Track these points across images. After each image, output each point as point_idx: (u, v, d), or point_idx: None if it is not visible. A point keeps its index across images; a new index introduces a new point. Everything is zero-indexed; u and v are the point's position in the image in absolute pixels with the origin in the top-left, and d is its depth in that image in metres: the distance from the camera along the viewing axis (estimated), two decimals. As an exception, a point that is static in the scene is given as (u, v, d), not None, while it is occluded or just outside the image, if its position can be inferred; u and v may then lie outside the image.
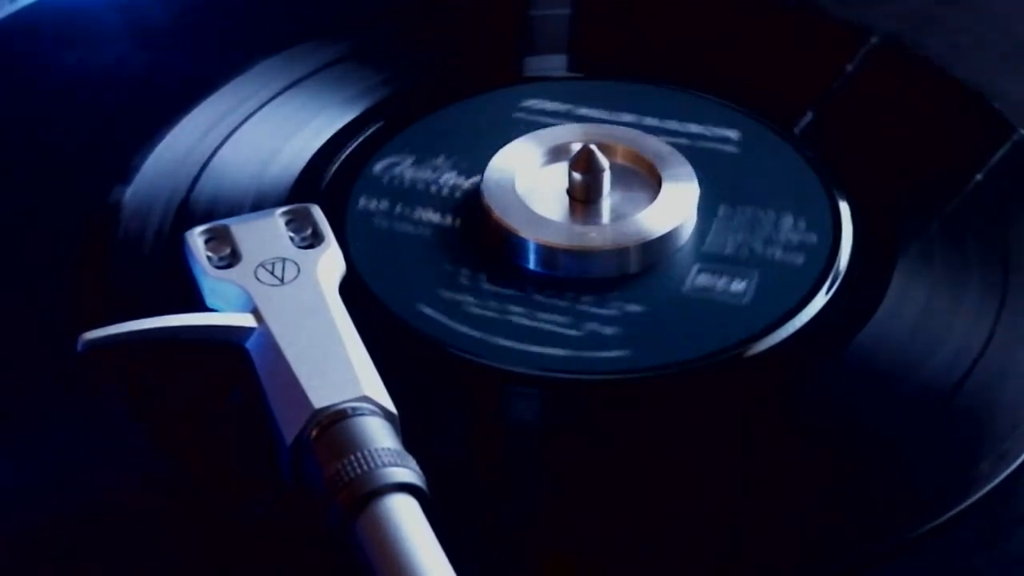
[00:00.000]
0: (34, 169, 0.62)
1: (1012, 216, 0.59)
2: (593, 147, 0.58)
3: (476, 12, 0.70)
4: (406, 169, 0.61)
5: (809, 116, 0.64)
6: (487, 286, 0.57)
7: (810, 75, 0.66)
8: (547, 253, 0.57)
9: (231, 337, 0.52)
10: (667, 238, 0.57)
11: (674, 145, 0.60)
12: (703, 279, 0.56)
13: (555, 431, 0.54)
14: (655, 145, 0.60)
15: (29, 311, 0.56)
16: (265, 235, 0.55)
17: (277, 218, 0.56)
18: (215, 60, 0.66)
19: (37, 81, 0.67)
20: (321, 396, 0.49)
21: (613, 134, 0.61)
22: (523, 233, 0.57)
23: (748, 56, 0.67)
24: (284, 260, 0.54)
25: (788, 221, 0.57)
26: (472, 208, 0.59)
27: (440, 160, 0.61)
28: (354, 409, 0.48)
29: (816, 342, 0.55)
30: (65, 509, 0.50)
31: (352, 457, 0.47)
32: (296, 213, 0.56)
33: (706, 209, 0.58)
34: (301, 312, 0.52)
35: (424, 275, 0.57)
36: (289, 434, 0.48)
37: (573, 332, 0.55)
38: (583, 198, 0.58)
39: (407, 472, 0.47)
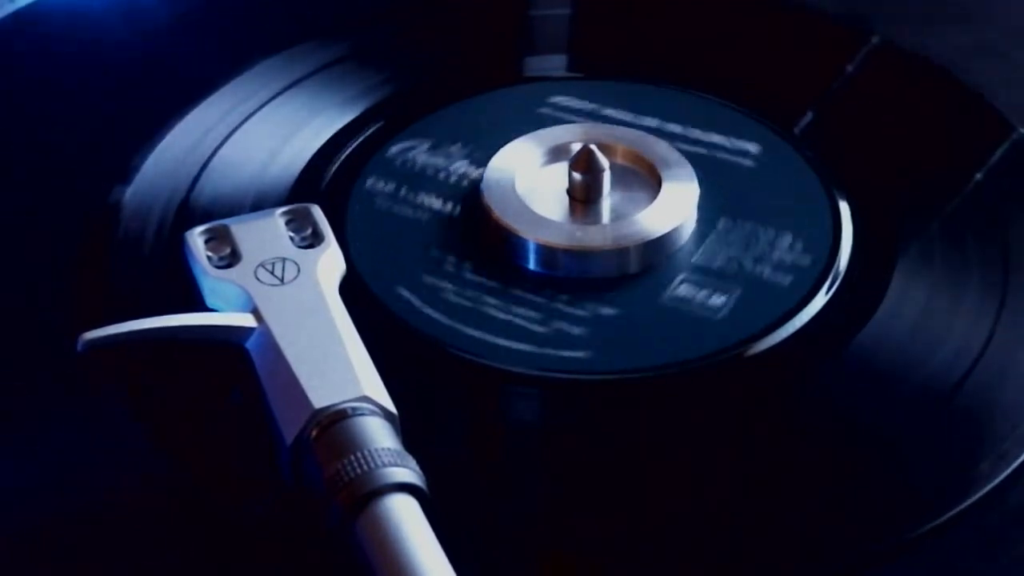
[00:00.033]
0: (34, 169, 0.62)
1: (1012, 216, 0.59)
2: (593, 147, 0.58)
3: (476, 12, 0.70)
4: (420, 154, 0.61)
5: (809, 116, 0.64)
6: (486, 286, 0.57)
7: (810, 75, 0.66)
8: (547, 253, 0.57)
9: (231, 337, 0.52)
10: (667, 238, 0.57)
11: (692, 154, 0.60)
12: (684, 289, 0.56)
13: (555, 431, 0.54)
14: (655, 145, 0.60)
15: (29, 311, 0.56)
16: (265, 235, 0.55)
17: (277, 218, 0.56)
18: (215, 60, 0.66)
19: (37, 81, 0.67)
20: (321, 396, 0.49)
21: (613, 134, 0.61)
22: (523, 233, 0.57)
23: (748, 56, 0.67)
24: (284, 260, 0.54)
25: (786, 240, 0.57)
26: (473, 199, 0.59)
27: (456, 148, 0.62)
28: (354, 409, 0.48)
29: (816, 342, 0.55)
30: (65, 509, 0.50)
31: (352, 457, 0.47)
32: (296, 213, 0.56)
33: (707, 220, 0.58)
34: (301, 312, 0.52)
35: (421, 270, 0.57)
36: (289, 434, 0.48)
37: (541, 329, 0.55)
38: (583, 198, 0.58)
39: (407, 472, 0.47)
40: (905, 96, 0.65)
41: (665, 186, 0.58)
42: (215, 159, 0.62)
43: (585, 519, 0.50)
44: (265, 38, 0.68)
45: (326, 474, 0.47)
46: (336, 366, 0.50)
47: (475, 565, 0.47)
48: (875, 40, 0.67)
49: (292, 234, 0.55)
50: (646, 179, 0.59)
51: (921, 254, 0.58)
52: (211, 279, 0.54)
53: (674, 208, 0.58)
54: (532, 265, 0.57)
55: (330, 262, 0.55)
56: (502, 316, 0.55)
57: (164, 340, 0.52)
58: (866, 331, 0.55)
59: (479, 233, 0.58)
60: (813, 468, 0.51)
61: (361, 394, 0.49)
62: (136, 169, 0.61)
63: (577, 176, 0.58)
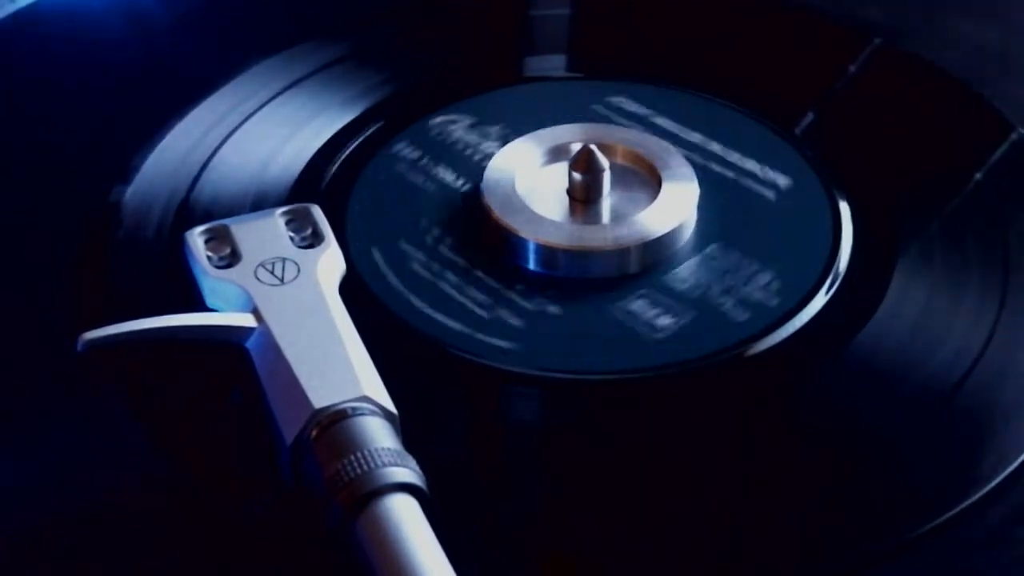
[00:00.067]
0: (34, 169, 0.62)
1: (1012, 216, 0.59)
2: (593, 147, 0.58)
3: (476, 12, 0.70)
4: (459, 128, 0.61)
5: (809, 116, 0.64)
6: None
7: (810, 75, 0.66)
8: (547, 253, 0.57)
9: (231, 337, 0.52)
10: (667, 238, 0.57)
11: (720, 175, 0.60)
12: (638, 305, 0.56)
13: (555, 431, 0.54)
14: (655, 145, 0.60)
15: (29, 311, 0.56)
16: (265, 235, 0.55)
17: (277, 218, 0.56)
18: (215, 60, 0.66)
19: (37, 81, 0.67)
20: (321, 396, 0.49)
21: (613, 134, 0.61)
22: (523, 233, 0.57)
23: (748, 56, 0.67)
24: (284, 260, 0.54)
25: (764, 278, 0.56)
26: (473, 199, 0.59)
27: (495, 129, 0.62)
28: (354, 409, 0.48)
29: (816, 342, 0.55)
30: (65, 509, 0.50)
31: (352, 457, 0.47)
32: (296, 213, 0.56)
33: (702, 241, 0.58)
34: (301, 312, 0.52)
35: (422, 270, 0.57)
36: (289, 434, 0.48)
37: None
38: (583, 198, 0.58)
39: (407, 472, 0.47)
40: (905, 96, 0.65)
41: (665, 186, 0.58)
42: (215, 159, 0.62)
43: (585, 519, 0.50)
44: (265, 38, 0.68)
45: (326, 474, 0.47)
46: (336, 366, 0.50)
47: (475, 565, 0.47)
48: (876, 41, 0.67)
49: (292, 234, 0.55)
50: (646, 179, 0.59)
51: (921, 254, 0.58)
52: (211, 279, 0.54)
53: (674, 208, 0.58)
54: (532, 265, 0.57)
55: (330, 262, 0.55)
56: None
57: (164, 340, 0.52)
58: (866, 331, 0.55)
59: (479, 233, 0.58)
60: (813, 468, 0.51)
61: (361, 394, 0.49)
62: (136, 169, 0.61)
63: (577, 176, 0.58)
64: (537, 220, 0.57)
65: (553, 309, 0.56)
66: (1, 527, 0.49)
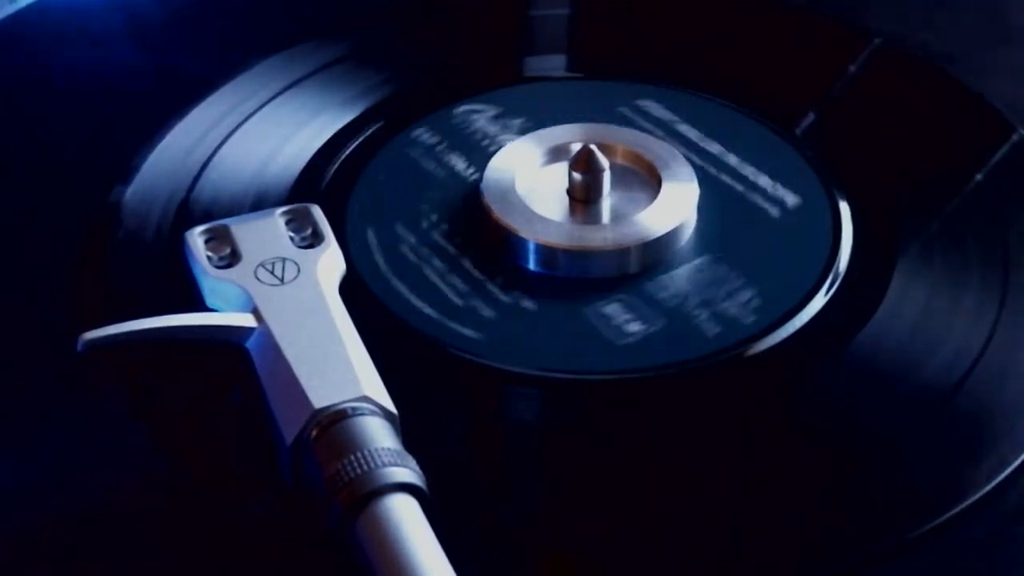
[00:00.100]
0: (34, 169, 0.62)
1: (1012, 216, 0.59)
2: (593, 147, 0.58)
3: (476, 12, 0.70)
4: (482, 118, 0.62)
5: (810, 116, 0.64)
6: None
7: (810, 75, 0.66)
8: (547, 253, 0.57)
9: (231, 337, 0.52)
10: (667, 238, 0.57)
11: (730, 188, 0.60)
12: (612, 308, 0.56)
13: (555, 431, 0.54)
14: (655, 145, 0.60)
15: (29, 311, 0.56)
16: (265, 235, 0.55)
17: (277, 218, 0.56)
18: (215, 60, 0.66)
19: (37, 81, 0.67)
20: (321, 396, 0.49)
21: (613, 134, 0.61)
22: (523, 233, 0.57)
23: (748, 56, 0.67)
24: (284, 260, 0.54)
25: (745, 295, 0.56)
26: (473, 199, 0.59)
27: (518, 122, 0.62)
28: (354, 409, 0.48)
29: (816, 342, 0.55)
30: (65, 509, 0.50)
31: (352, 457, 0.47)
32: (296, 213, 0.56)
33: (694, 251, 0.58)
34: (301, 312, 0.52)
35: (410, 253, 0.58)
36: (289, 434, 0.48)
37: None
38: (583, 198, 0.58)
39: (407, 472, 0.47)
40: (905, 96, 0.65)
41: (665, 186, 0.58)
42: (215, 159, 0.62)
43: (585, 519, 0.50)
44: (265, 38, 0.68)
45: (326, 474, 0.47)
46: (336, 366, 0.50)
47: (475, 565, 0.47)
48: (876, 40, 0.67)
49: (292, 234, 0.55)
50: (646, 179, 0.59)
51: (921, 254, 0.58)
52: (211, 279, 0.54)
53: (674, 208, 0.58)
54: (532, 265, 0.57)
55: (330, 262, 0.55)
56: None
57: (164, 340, 0.52)
58: (866, 331, 0.55)
59: (479, 233, 0.58)
60: (813, 468, 0.51)
61: (361, 394, 0.49)
62: (136, 169, 0.61)
63: (577, 176, 0.58)
64: (537, 220, 0.57)
65: (528, 304, 0.56)
66: (1, 527, 0.49)
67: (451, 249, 0.58)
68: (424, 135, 0.62)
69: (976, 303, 0.56)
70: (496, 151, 0.60)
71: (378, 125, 0.63)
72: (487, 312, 0.55)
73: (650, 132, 0.62)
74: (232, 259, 0.54)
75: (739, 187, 0.60)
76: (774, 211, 0.59)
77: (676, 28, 0.69)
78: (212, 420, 0.52)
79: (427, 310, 0.55)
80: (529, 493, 0.51)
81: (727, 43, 0.68)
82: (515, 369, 0.54)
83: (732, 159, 0.61)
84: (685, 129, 0.62)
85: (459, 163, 0.61)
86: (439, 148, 0.61)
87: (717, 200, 0.59)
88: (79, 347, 0.51)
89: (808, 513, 0.50)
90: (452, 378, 0.54)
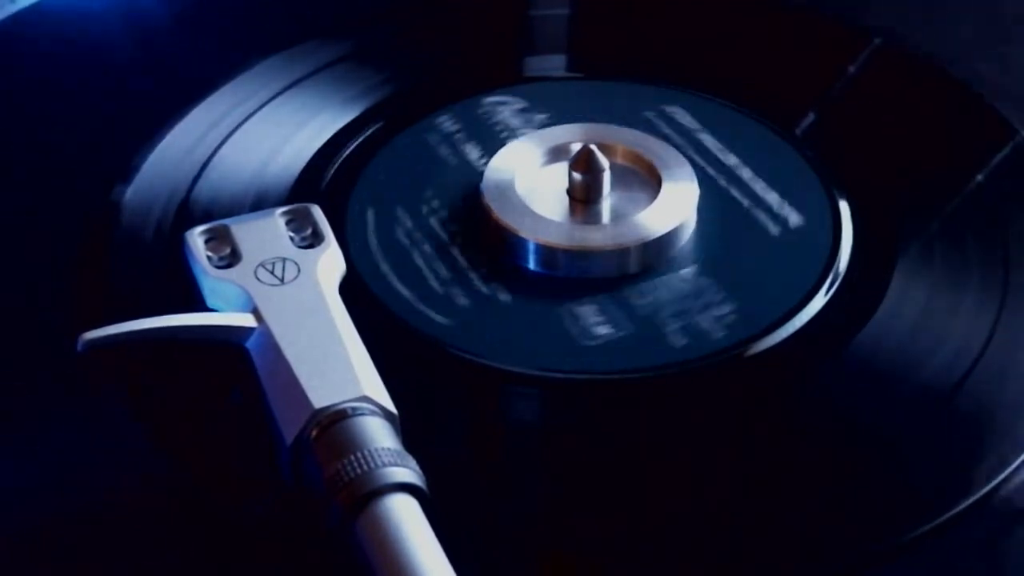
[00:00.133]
0: (34, 169, 0.62)
1: (1012, 216, 0.59)
2: (593, 147, 0.58)
3: (476, 12, 0.70)
4: (507, 110, 0.62)
5: (810, 116, 0.64)
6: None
7: (810, 76, 0.66)
8: (547, 253, 0.57)
9: (231, 337, 0.52)
10: (667, 238, 0.57)
11: (737, 202, 0.59)
12: (585, 309, 0.55)
13: (555, 431, 0.54)
14: (655, 145, 0.60)
15: (29, 311, 0.56)
16: (265, 235, 0.55)
17: (277, 218, 0.56)
18: (215, 60, 0.66)
19: (37, 81, 0.67)
20: (321, 396, 0.49)
21: (613, 134, 0.61)
22: (523, 233, 0.57)
23: (748, 56, 0.67)
24: (284, 260, 0.54)
25: (723, 310, 0.55)
26: (473, 199, 0.59)
27: (541, 116, 0.63)
28: (354, 409, 0.48)
29: (816, 342, 0.55)
30: (65, 509, 0.50)
31: (352, 457, 0.47)
32: (296, 213, 0.56)
33: (683, 262, 0.57)
34: (301, 312, 0.52)
35: (403, 236, 0.58)
36: (289, 434, 0.48)
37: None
38: (583, 198, 0.58)
39: (407, 472, 0.47)
40: (905, 97, 0.65)
41: (665, 186, 0.58)
42: (215, 159, 0.62)
43: (585, 519, 0.50)
44: (265, 38, 0.68)
45: (326, 474, 0.47)
46: (336, 366, 0.50)
47: (475, 565, 0.47)
48: (876, 41, 0.67)
49: (292, 234, 0.55)
50: (646, 179, 0.59)
51: (921, 254, 0.58)
52: (211, 279, 0.54)
53: (674, 208, 0.58)
54: (532, 265, 0.57)
55: (330, 262, 0.55)
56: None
57: (164, 340, 0.52)
58: (866, 331, 0.55)
59: (479, 233, 0.58)
60: (813, 468, 0.51)
61: (361, 394, 0.49)
62: (136, 169, 0.61)
63: (577, 176, 0.58)
64: (537, 220, 0.57)
65: (504, 297, 0.56)
66: (1, 527, 0.49)
67: (443, 236, 0.58)
68: (447, 122, 0.63)
69: (976, 303, 0.56)
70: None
71: (378, 125, 0.63)
72: (462, 301, 0.56)
73: (670, 139, 0.62)
74: (232, 259, 0.54)
75: (746, 202, 0.59)
76: (774, 229, 0.58)
77: (676, 28, 0.69)
78: (212, 420, 0.52)
79: (405, 292, 0.56)
80: (529, 493, 0.51)
81: (727, 43, 0.68)
82: (515, 369, 0.54)
83: (746, 172, 0.61)
84: (706, 139, 0.62)
85: (473, 152, 0.61)
86: (457, 136, 0.62)
87: (720, 212, 0.59)
88: (79, 347, 0.51)
89: (808, 513, 0.50)
90: (452, 378, 0.54)
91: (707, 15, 0.69)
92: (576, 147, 0.59)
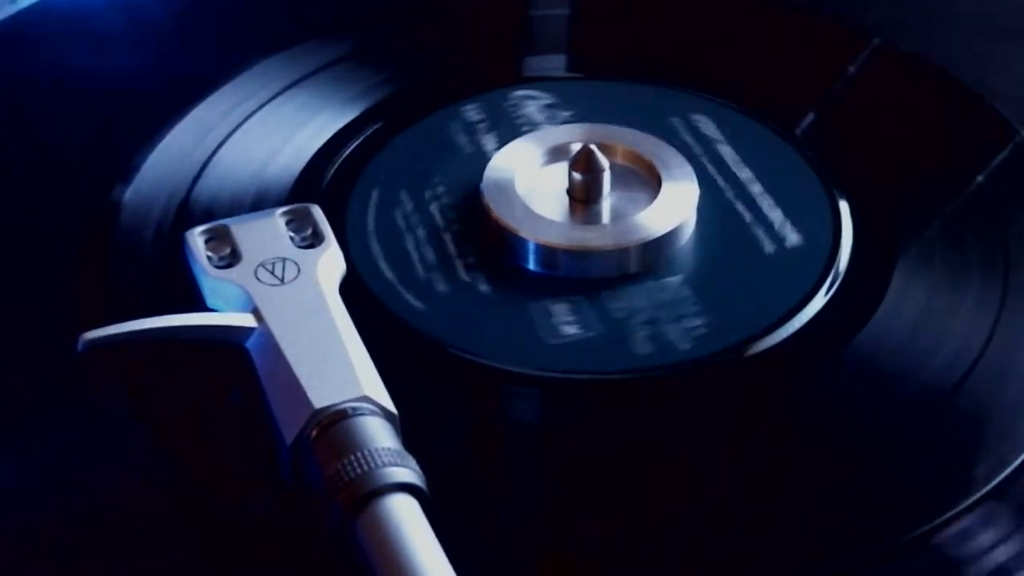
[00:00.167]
0: (34, 169, 0.62)
1: (1012, 216, 0.59)
2: (593, 147, 0.58)
3: (476, 12, 0.70)
4: (533, 105, 0.63)
5: (809, 116, 0.64)
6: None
7: (810, 76, 0.66)
8: (547, 253, 0.57)
9: (231, 337, 0.52)
10: (667, 238, 0.57)
11: (740, 216, 0.59)
12: (559, 307, 0.55)
13: (555, 431, 0.54)
14: (655, 145, 0.60)
15: (29, 311, 0.56)
16: (265, 235, 0.55)
17: (277, 218, 0.56)
18: (215, 60, 0.66)
19: (37, 81, 0.67)
20: (321, 396, 0.49)
21: (613, 134, 0.61)
22: (523, 233, 0.57)
23: (748, 56, 0.67)
24: (284, 260, 0.54)
25: (692, 323, 0.55)
26: (473, 199, 0.59)
27: (566, 114, 0.63)
28: (354, 409, 0.48)
29: (816, 342, 0.55)
30: (65, 509, 0.50)
31: (352, 457, 0.47)
32: (296, 213, 0.56)
33: (670, 271, 0.57)
34: (301, 312, 0.52)
35: (400, 219, 0.59)
36: (289, 434, 0.48)
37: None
38: (583, 198, 0.58)
39: (407, 472, 0.47)
40: (905, 97, 0.65)
41: (665, 186, 0.58)
42: (215, 159, 0.62)
43: (585, 519, 0.50)
44: (265, 38, 0.68)
45: (326, 474, 0.47)
46: (336, 366, 0.50)
47: (475, 565, 0.47)
48: (876, 41, 0.67)
49: (292, 234, 0.55)
50: (646, 179, 0.59)
51: (921, 254, 0.58)
52: (211, 279, 0.54)
53: (674, 208, 0.58)
54: (532, 265, 0.57)
55: (330, 262, 0.55)
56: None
57: (164, 340, 0.52)
58: (866, 331, 0.55)
59: (479, 233, 0.58)
60: (813, 468, 0.51)
61: (361, 394, 0.49)
62: (136, 169, 0.61)
63: (577, 176, 0.58)
64: (537, 220, 0.57)
65: (483, 288, 0.56)
66: (1, 527, 0.49)
67: (439, 222, 0.58)
68: (471, 111, 0.63)
69: (976, 303, 0.56)
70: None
71: (378, 125, 0.63)
72: (442, 287, 0.56)
73: (688, 147, 0.61)
74: (232, 259, 0.54)
75: (748, 216, 0.59)
76: (769, 247, 0.58)
77: (676, 28, 0.69)
78: (212, 420, 0.52)
79: (388, 273, 0.56)
80: (529, 493, 0.51)
81: (727, 43, 0.68)
82: (516, 369, 0.54)
83: (756, 188, 0.60)
84: (725, 150, 0.62)
85: (490, 144, 0.62)
86: (479, 126, 0.62)
87: (719, 225, 0.58)
88: (79, 347, 0.51)
89: (808, 513, 0.50)
90: (452, 378, 0.54)
91: (707, 15, 0.69)
92: (576, 147, 0.59)
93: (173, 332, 0.52)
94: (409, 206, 0.59)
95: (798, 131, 0.63)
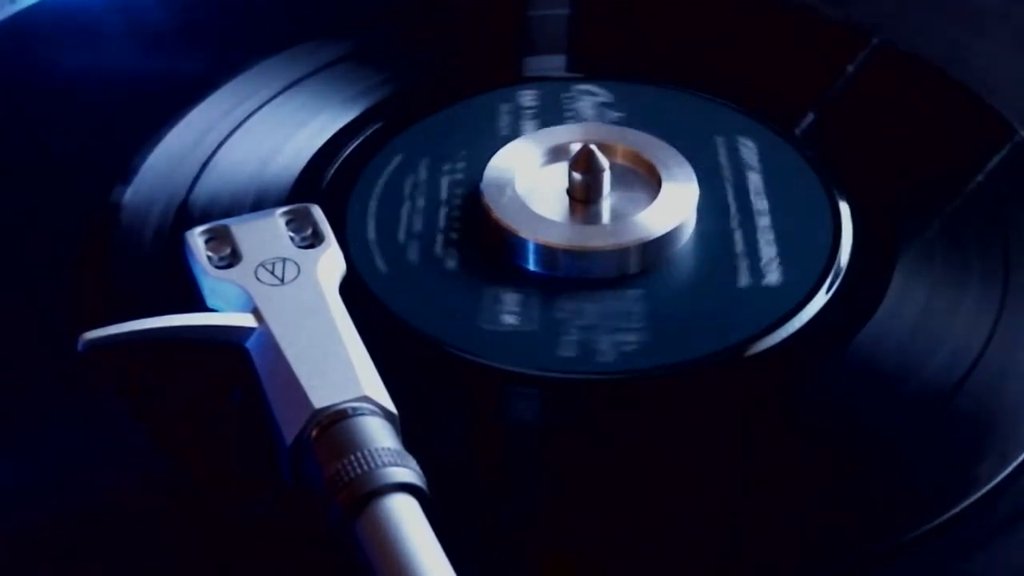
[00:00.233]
0: (34, 169, 0.62)
1: (1012, 216, 0.59)
2: (593, 147, 0.58)
3: (476, 12, 0.70)
4: (588, 101, 0.63)
5: (810, 116, 0.64)
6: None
7: (810, 75, 0.66)
8: (547, 253, 0.57)
9: (231, 337, 0.52)
10: (667, 238, 0.57)
11: (732, 247, 0.58)
12: (510, 297, 0.56)
13: (555, 431, 0.54)
14: (655, 145, 0.60)
15: (29, 311, 0.56)
16: (265, 235, 0.55)
17: (277, 218, 0.56)
18: (215, 60, 0.66)
19: (37, 81, 0.67)
20: (321, 396, 0.49)
21: (613, 134, 0.61)
22: (523, 233, 0.57)
23: (748, 56, 0.67)
24: (284, 260, 0.54)
25: (627, 337, 0.54)
26: (473, 199, 0.59)
27: (616, 115, 0.63)
28: (354, 409, 0.48)
29: (816, 342, 0.55)
30: (65, 509, 0.50)
31: (352, 457, 0.47)
32: (296, 213, 0.56)
33: (638, 282, 0.57)
34: (301, 312, 0.52)
35: (408, 186, 0.60)
36: (289, 434, 0.48)
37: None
38: (583, 198, 0.58)
39: (407, 472, 0.47)
40: (905, 97, 0.65)
41: (665, 186, 0.58)
42: (215, 159, 0.62)
43: (585, 519, 0.50)
44: (265, 38, 0.68)
45: (326, 474, 0.47)
46: (336, 366, 0.50)
47: (475, 565, 0.47)
48: (875, 40, 0.67)
49: (292, 234, 0.55)
50: (646, 179, 0.59)
51: (921, 254, 0.58)
52: (211, 279, 0.54)
53: (674, 208, 0.58)
54: (532, 265, 0.57)
55: (330, 262, 0.55)
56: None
57: (164, 340, 0.52)
58: (866, 331, 0.55)
59: (479, 233, 0.58)
60: (813, 468, 0.51)
61: (361, 394, 0.49)
62: (136, 169, 0.61)
63: (577, 176, 0.58)
64: (537, 220, 0.57)
65: (450, 265, 0.57)
66: (1, 527, 0.49)
67: (443, 194, 0.59)
68: (527, 97, 0.63)
69: (976, 303, 0.56)
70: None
71: (378, 125, 0.63)
72: (412, 256, 0.57)
73: (719, 168, 0.61)
74: (232, 259, 0.54)
75: (740, 246, 0.58)
76: (745, 280, 0.57)
77: (676, 28, 0.69)
78: (212, 420, 0.52)
79: (371, 234, 0.57)
80: (529, 493, 0.51)
81: (727, 43, 0.68)
82: (516, 369, 0.54)
83: (764, 220, 0.59)
84: (753, 177, 0.60)
85: (529, 131, 0.62)
86: (527, 111, 0.62)
87: (707, 250, 0.58)
88: (79, 347, 0.51)
89: (808, 513, 0.50)
90: (452, 378, 0.54)
91: (707, 15, 0.69)
92: (576, 147, 0.59)
93: (173, 332, 0.52)
94: (424, 175, 0.60)
95: (798, 131, 0.63)
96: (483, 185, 0.59)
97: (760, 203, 0.60)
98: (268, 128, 0.63)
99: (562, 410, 0.54)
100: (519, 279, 0.57)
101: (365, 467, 0.46)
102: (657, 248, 0.57)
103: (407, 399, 0.50)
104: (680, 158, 0.59)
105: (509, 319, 0.55)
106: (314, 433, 0.48)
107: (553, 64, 0.68)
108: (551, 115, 0.63)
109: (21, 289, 0.57)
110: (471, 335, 0.54)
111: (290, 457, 0.48)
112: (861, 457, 0.52)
